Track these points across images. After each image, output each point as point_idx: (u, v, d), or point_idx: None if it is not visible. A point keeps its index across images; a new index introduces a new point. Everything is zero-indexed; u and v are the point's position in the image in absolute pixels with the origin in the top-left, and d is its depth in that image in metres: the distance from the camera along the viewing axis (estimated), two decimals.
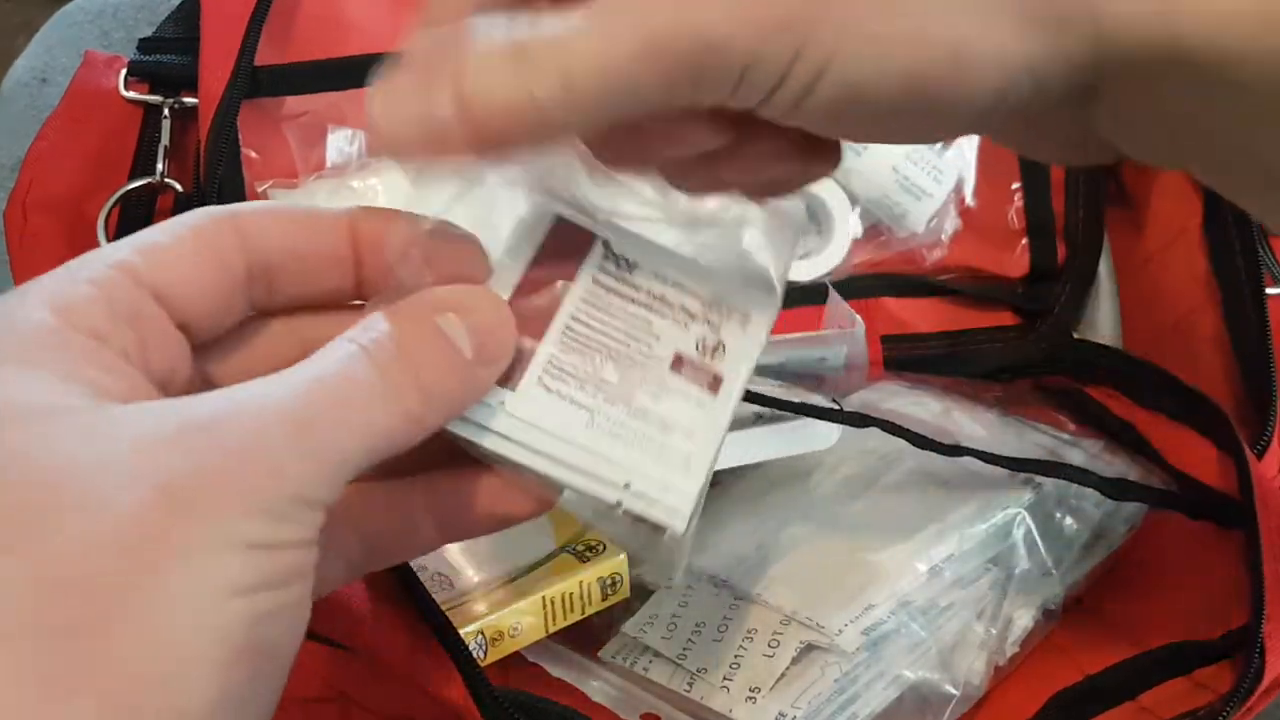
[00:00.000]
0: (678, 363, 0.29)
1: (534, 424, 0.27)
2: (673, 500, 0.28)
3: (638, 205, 0.29)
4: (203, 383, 0.26)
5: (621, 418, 0.28)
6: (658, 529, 0.28)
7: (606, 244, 0.29)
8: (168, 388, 0.25)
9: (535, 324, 0.28)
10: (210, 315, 0.26)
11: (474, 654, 0.38)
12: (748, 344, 0.30)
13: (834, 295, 0.51)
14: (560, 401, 0.28)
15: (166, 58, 0.46)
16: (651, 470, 0.28)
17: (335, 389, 0.23)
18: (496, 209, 0.29)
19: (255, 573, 0.20)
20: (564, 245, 0.29)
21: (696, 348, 0.29)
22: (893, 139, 0.28)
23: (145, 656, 0.19)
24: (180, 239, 0.25)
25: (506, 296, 0.28)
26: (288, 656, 0.22)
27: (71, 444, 0.20)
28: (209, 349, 0.27)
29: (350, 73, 0.47)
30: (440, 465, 0.28)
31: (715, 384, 0.29)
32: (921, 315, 0.55)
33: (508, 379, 0.27)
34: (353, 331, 0.24)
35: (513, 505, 0.28)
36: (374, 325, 0.24)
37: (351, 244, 0.27)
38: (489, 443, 0.27)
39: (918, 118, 0.25)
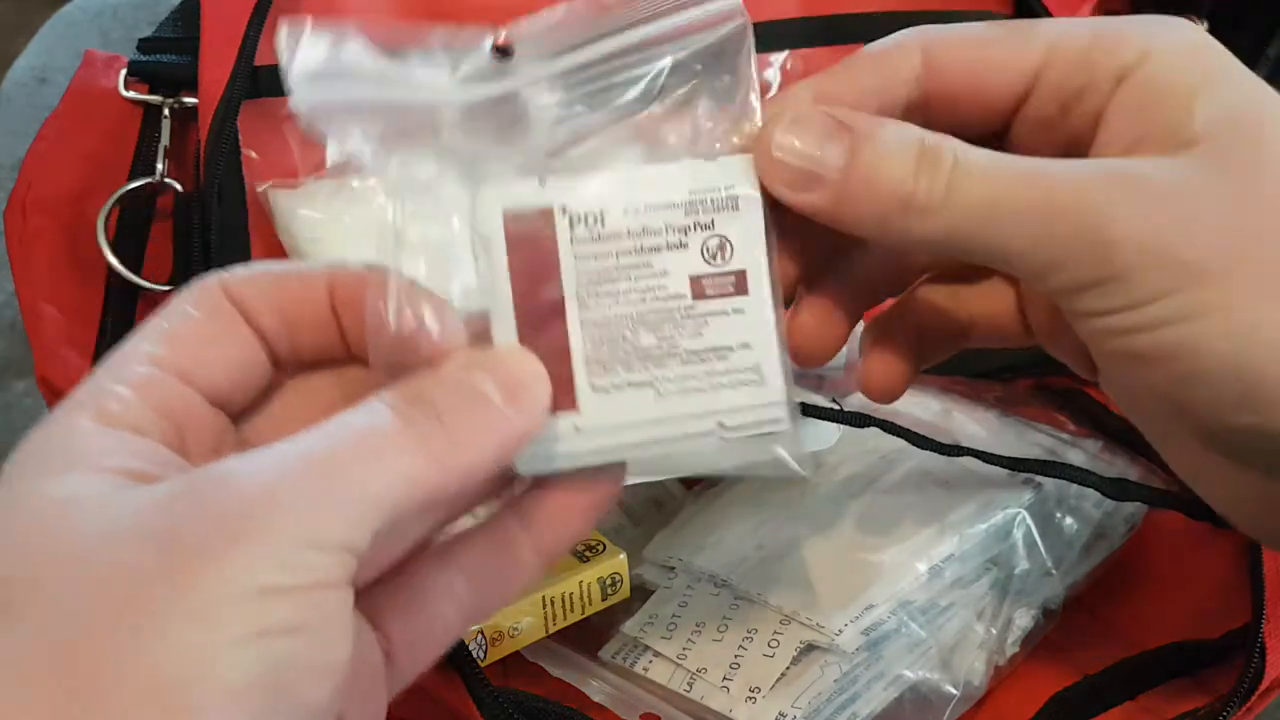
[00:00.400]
0: (696, 286, 0.28)
1: (608, 426, 0.27)
2: (766, 413, 0.28)
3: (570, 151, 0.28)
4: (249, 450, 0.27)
5: (680, 372, 0.27)
6: (767, 437, 0.28)
7: (564, 209, 0.27)
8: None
9: (554, 336, 0.27)
10: (237, 386, 0.27)
11: (474, 654, 0.38)
12: (749, 219, 0.28)
13: None
14: (619, 393, 0.27)
15: (166, 58, 0.46)
16: (732, 399, 0.27)
17: (356, 437, 0.23)
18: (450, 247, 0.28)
19: (263, 617, 0.21)
20: (527, 238, 0.27)
21: (704, 258, 0.28)
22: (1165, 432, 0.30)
23: (149, 704, 0.20)
24: (190, 320, 0.26)
25: (511, 331, 0.27)
26: (322, 700, 0.22)
27: (89, 522, 0.21)
28: (249, 416, 0.28)
29: None
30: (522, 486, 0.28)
31: (741, 282, 0.28)
32: None
33: (564, 403, 0.27)
34: (380, 391, 0.25)
35: (601, 490, 0.28)
36: (402, 384, 0.25)
37: (331, 304, 0.27)
38: (575, 463, 0.27)
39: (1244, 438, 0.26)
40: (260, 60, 0.45)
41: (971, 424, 0.50)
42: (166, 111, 0.45)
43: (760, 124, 0.28)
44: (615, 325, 0.27)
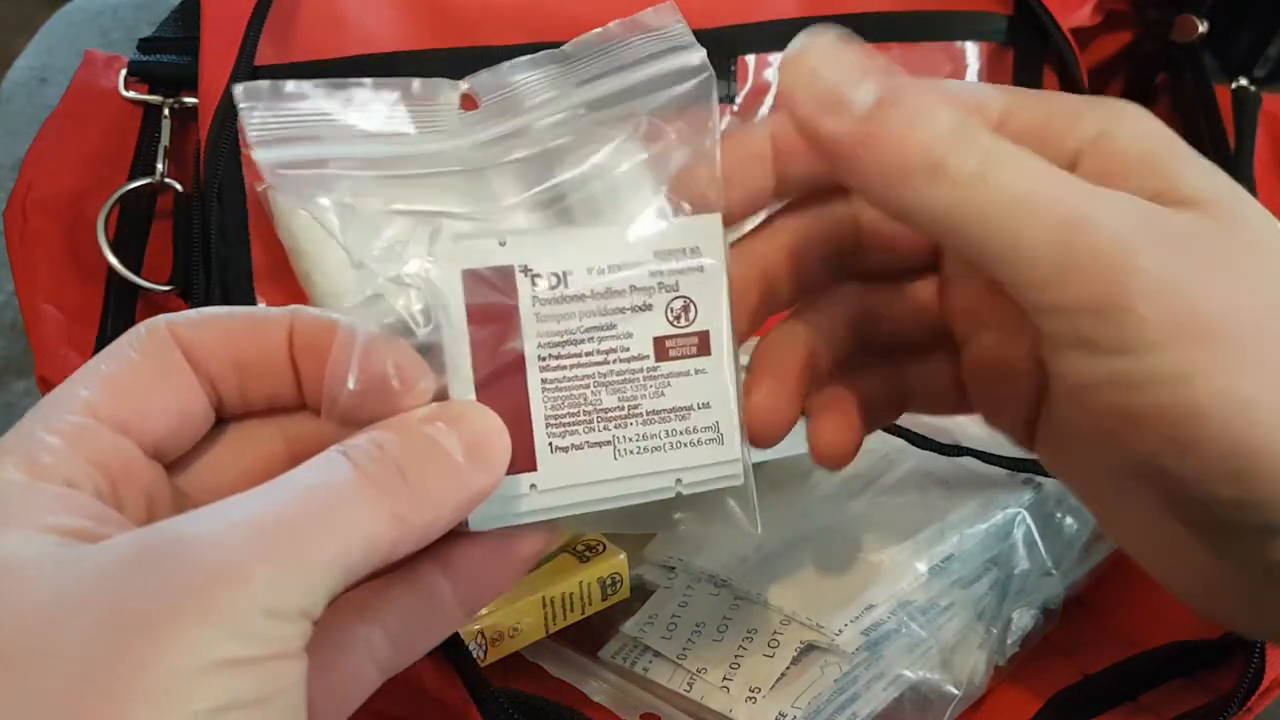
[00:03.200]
0: (660, 348, 0.27)
1: (567, 485, 0.27)
2: (723, 470, 0.28)
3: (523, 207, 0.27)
4: (185, 500, 0.26)
5: (640, 432, 0.27)
6: (723, 491, 0.28)
7: (526, 269, 0.26)
8: (152, 514, 0.25)
9: (513, 396, 0.26)
10: (176, 435, 0.26)
11: (474, 654, 0.38)
12: (712, 279, 0.28)
13: None
14: (578, 453, 0.27)
15: (166, 57, 0.46)
16: (691, 458, 0.28)
17: (313, 494, 0.22)
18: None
19: (223, 692, 0.20)
20: (487, 298, 0.26)
21: (668, 319, 0.27)
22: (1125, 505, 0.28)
23: None
24: (131, 365, 0.25)
25: (470, 391, 0.26)
26: None
27: (33, 590, 0.20)
28: (185, 464, 0.27)
29: (350, 73, 0.47)
30: (446, 537, 0.27)
31: (704, 343, 0.28)
32: None
33: (522, 464, 0.26)
34: (339, 444, 0.24)
35: (531, 544, 0.28)
36: (362, 435, 0.24)
37: (289, 350, 0.26)
38: (529, 520, 0.27)
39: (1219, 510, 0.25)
40: (260, 60, 0.45)
41: (971, 424, 0.50)
42: (166, 111, 0.45)
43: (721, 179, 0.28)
44: (577, 387, 0.27)
